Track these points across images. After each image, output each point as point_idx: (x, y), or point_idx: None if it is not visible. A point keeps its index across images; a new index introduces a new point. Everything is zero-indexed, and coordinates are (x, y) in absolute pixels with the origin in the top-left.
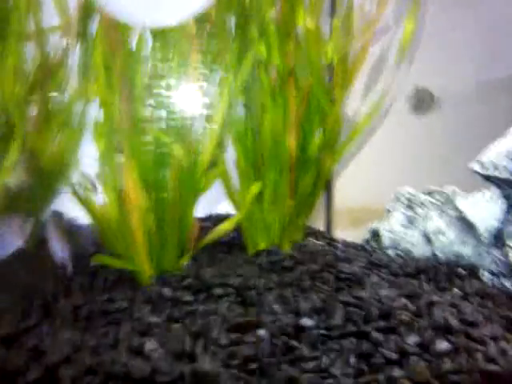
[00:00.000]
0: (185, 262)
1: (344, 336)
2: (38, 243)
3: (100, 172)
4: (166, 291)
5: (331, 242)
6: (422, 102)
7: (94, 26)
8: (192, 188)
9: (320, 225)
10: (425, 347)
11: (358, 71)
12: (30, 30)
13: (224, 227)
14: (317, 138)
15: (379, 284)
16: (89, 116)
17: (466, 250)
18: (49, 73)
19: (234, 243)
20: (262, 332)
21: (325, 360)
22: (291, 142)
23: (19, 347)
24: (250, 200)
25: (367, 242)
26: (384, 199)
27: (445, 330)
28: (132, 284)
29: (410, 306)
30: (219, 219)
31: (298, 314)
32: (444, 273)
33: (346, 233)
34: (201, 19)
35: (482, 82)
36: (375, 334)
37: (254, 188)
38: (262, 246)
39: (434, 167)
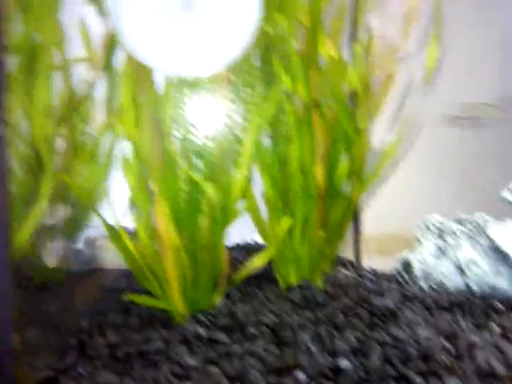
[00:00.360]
0: (217, 299)
1: (383, 379)
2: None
3: (130, 207)
4: (201, 331)
5: (361, 272)
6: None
7: (119, 59)
8: (223, 223)
9: (347, 253)
10: None
11: (384, 98)
12: (57, 64)
13: (256, 263)
14: (343, 167)
15: (415, 321)
16: (116, 151)
17: (502, 282)
18: (75, 106)
19: (263, 276)
20: (299, 375)
21: None
22: (319, 172)
23: None
24: (281, 235)
25: (398, 272)
26: (411, 226)
27: (488, 375)
28: (165, 322)
29: (449, 346)
30: (247, 249)
31: (334, 354)
32: (480, 307)
33: (374, 261)
34: None
35: None
36: (415, 378)
37: (285, 223)
38: (293, 279)
39: (462, 193)
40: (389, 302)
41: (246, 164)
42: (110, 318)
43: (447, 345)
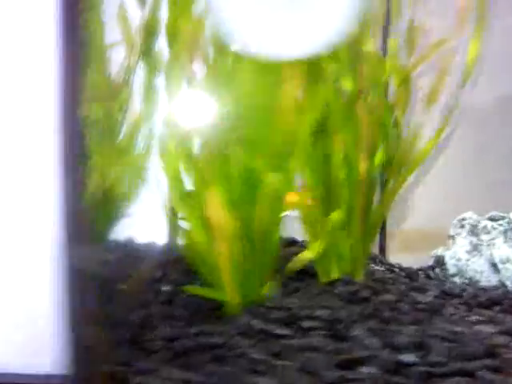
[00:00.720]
0: (271, 291)
1: (449, 374)
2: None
3: (174, 197)
4: (257, 323)
5: (391, 267)
6: None
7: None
8: (279, 214)
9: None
10: None
11: (437, 92)
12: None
13: (306, 255)
14: (383, 160)
15: (461, 316)
16: (156, 139)
17: None
18: (113, 92)
19: (304, 272)
20: (366, 369)
21: None
22: (362, 165)
23: None
24: (332, 227)
25: (432, 268)
26: (438, 223)
27: None
28: (218, 314)
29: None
30: (287, 243)
31: (394, 348)
32: None
33: (399, 257)
34: None
35: None
36: (483, 374)
37: (336, 215)
38: (335, 274)
39: (494, 191)
40: (431, 297)
41: (300, 154)
42: (156, 310)
43: (507, 341)
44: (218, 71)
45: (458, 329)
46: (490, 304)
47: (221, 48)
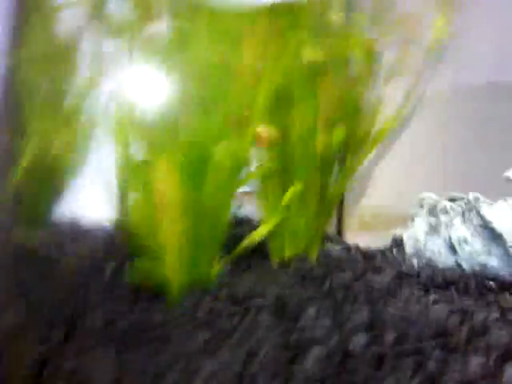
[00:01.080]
0: (219, 269)
1: (402, 354)
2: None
3: (121, 169)
4: (204, 303)
5: (347, 247)
6: None
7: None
8: (230, 188)
9: (329, 227)
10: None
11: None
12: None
13: (259, 234)
14: (342, 137)
15: (417, 298)
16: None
17: (493, 261)
18: (60, 54)
19: (255, 250)
20: (315, 349)
21: (390, 381)
22: (320, 140)
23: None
24: (288, 202)
25: (390, 249)
26: (398, 202)
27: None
28: (163, 293)
29: (461, 323)
30: (240, 221)
31: (346, 329)
32: (474, 285)
33: (357, 236)
34: None
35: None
36: (435, 353)
37: (294, 188)
38: (288, 253)
39: (449, 173)
40: (386, 278)
41: (255, 125)
42: (97, 291)
43: (460, 321)
44: (173, 34)
45: (413, 309)
46: (446, 284)
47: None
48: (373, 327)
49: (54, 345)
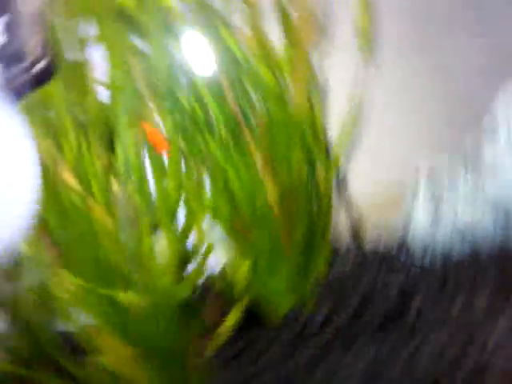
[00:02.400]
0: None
1: None
2: None
3: None
4: None
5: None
6: None
7: None
8: None
9: None
10: None
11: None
12: None
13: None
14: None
15: None
16: None
17: None
18: None
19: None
20: None
21: None
22: (270, 186)
23: None
24: (244, 280)
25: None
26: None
27: None
28: None
29: None
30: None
31: None
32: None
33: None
34: None
35: None
36: None
37: (244, 267)
38: (282, 311)
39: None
40: None
41: None
42: None
43: None
44: None
45: None
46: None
47: None
48: None
49: None
